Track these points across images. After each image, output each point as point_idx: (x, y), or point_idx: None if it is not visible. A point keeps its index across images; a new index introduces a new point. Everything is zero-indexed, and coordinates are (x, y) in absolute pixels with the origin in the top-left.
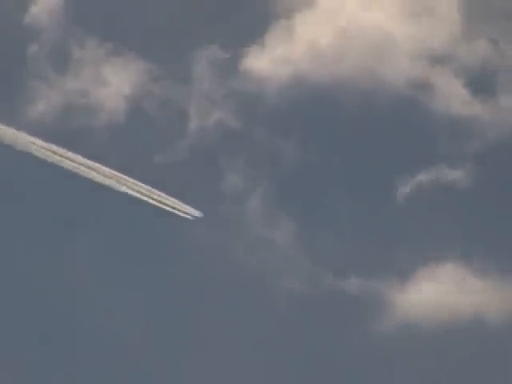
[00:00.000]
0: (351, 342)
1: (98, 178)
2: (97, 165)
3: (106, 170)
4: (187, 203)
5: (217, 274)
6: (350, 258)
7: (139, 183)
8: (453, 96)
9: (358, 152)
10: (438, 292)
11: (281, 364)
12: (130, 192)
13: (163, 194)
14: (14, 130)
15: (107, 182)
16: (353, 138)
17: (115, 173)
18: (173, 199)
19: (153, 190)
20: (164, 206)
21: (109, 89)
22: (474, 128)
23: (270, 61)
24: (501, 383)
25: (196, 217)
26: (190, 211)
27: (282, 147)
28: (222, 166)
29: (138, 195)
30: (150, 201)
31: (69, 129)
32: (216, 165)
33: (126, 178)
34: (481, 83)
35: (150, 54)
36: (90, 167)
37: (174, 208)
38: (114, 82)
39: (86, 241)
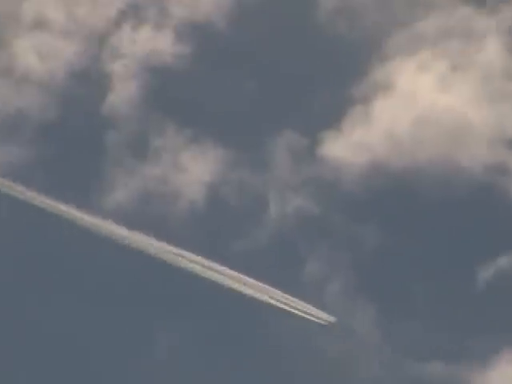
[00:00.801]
0: None
1: (185, 265)
2: (184, 252)
3: (193, 256)
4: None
5: (298, 362)
6: (432, 344)
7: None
8: None
9: (438, 238)
10: None
11: None
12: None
13: (291, 297)
14: (98, 219)
15: (194, 268)
16: (432, 223)
17: (206, 261)
18: (303, 303)
19: (279, 292)
20: (293, 310)
21: (188, 176)
22: None
23: (348, 147)
24: None
25: (330, 322)
26: (323, 316)
27: (362, 234)
28: (302, 252)
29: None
30: (271, 300)
31: (148, 216)
32: (296, 252)
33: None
34: None
35: (227, 141)
36: (176, 254)
37: (304, 312)
38: (192, 169)
39: (178, 333)
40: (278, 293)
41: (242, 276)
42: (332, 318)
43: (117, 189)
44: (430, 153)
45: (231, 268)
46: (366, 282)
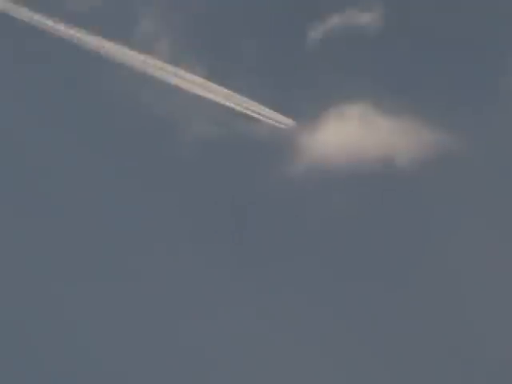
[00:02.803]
0: (262, 186)
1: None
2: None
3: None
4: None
5: (127, 121)
6: (259, 98)
7: None
8: None
9: None
10: (346, 133)
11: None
12: None
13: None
14: None
15: None
16: None
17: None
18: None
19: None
20: (249, 112)
21: None
22: None
23: None
24: (405, 223)
25: (289, 125)
26: (281, 120)
27: None
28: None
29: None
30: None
31: None
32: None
33: None
34: None
35: None
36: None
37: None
38: None
39: None
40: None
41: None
42: (291, 122)
43: None
44: None
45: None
46: (196, 41)
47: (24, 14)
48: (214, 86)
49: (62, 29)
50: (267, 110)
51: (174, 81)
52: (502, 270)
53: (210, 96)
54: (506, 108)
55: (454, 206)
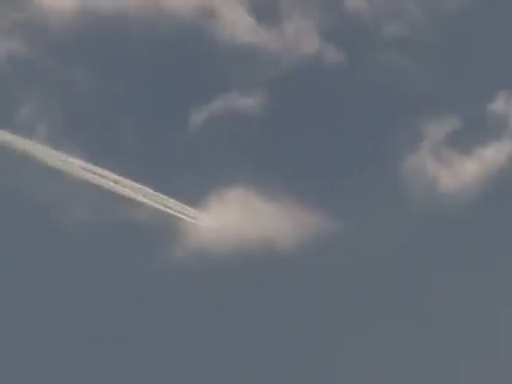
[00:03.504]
0: (146, 272)
1: None
2: None
3: None
4: None
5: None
6: (141, 184)
7: None
8: (238, 24)
9: (148, 81)
10: (227, 217)
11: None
12: None
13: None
14: None
15: None
16: (141, 66)
17: None
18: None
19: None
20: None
21: None
22: (262, 55)
23: None
24: (289, 307)
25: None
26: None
27: (72, 77)
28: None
29: None
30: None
31: None
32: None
33: None
34: (265, 11)
35: None
36: None
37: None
38: None
39: None
40: None
41: None
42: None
43: None
44: None
45: None
46: (75, 125)
47: None
48: (99, 170)
49: None
50: (171, 200)
51: (56, 164)
52: None
53: (94, 180)
54: (384, 195)
55: (335, 290)
